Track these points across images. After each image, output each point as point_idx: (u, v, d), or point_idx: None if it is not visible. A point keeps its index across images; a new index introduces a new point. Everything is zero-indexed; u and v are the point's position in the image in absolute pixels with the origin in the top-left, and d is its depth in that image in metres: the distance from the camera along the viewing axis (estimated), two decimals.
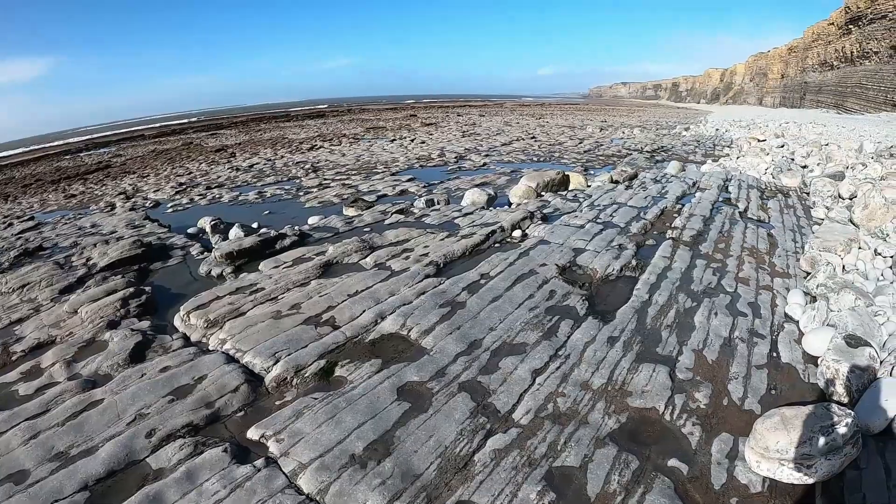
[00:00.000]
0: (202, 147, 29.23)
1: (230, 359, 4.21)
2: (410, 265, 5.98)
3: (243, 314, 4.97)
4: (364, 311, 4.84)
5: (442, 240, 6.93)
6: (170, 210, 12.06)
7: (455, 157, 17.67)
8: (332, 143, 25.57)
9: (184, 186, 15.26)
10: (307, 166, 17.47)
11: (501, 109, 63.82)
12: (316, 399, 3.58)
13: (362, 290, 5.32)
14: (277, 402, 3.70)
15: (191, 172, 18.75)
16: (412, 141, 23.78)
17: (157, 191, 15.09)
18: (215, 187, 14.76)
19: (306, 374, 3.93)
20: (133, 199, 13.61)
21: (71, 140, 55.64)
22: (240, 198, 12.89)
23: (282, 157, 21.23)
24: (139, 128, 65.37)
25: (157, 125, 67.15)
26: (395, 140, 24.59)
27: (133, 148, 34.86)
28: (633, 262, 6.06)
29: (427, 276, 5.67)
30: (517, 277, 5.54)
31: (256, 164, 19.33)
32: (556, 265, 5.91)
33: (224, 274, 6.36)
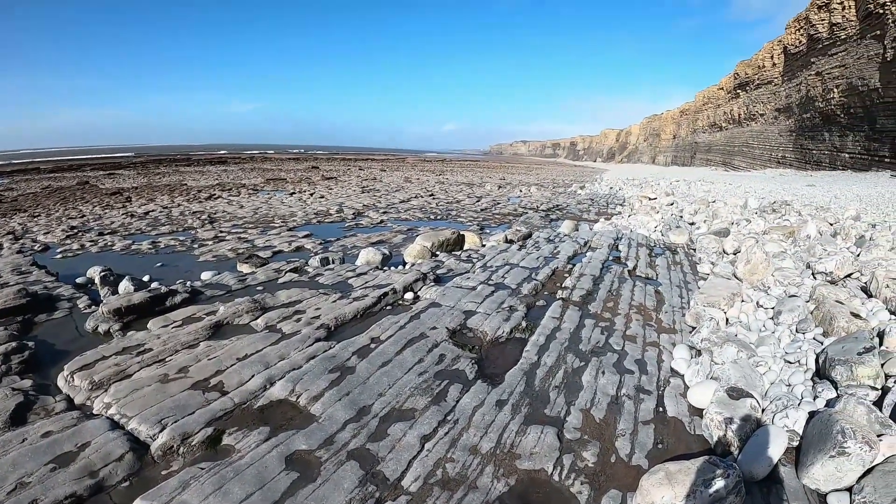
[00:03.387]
0: (98, 188, 29.22)
1: (115, 425, 4.15)
2: (301, 328, 6.08)
3: (129, 376, 4.90)
4: (253, 376, 4.88)
5: (334, 302, 7.07)
6: (59, 255, 11.99)
7: (353, 214, 18.07)
8: (230, 193, 25.71)
9: (75, 231, 15.19)
10: (204, 217, 17.68)
11: (403, 164, 65.78)
12: (203, 469, 3.57)
13: (252, 354, 5.36)
14: (164, 472, 3.66)
15: (84, 215, 18.67)
16: (311, 195, 24.15)
17: (48, 233, 14.91)
18: (108, 233, 14.83)
19: (193, 443, 3.92)
20: (21, 241, 13.47)
21: None
22: (132, 247, 12.88)
23: (179, 205, 21.40)
24: (37, 160, 67.15)
25: (56, 158, 69.38)
26: (294, 193, 25.01)
27: (27, 182, 34.32)
28: (523, 324, 6.45)
29: (318, 340, 5.79)
30: (407, 341, 5.76)
31: (152, 211, 19.49)
32: (447, 328, 6.19)
33: (111, 331, 6.25)
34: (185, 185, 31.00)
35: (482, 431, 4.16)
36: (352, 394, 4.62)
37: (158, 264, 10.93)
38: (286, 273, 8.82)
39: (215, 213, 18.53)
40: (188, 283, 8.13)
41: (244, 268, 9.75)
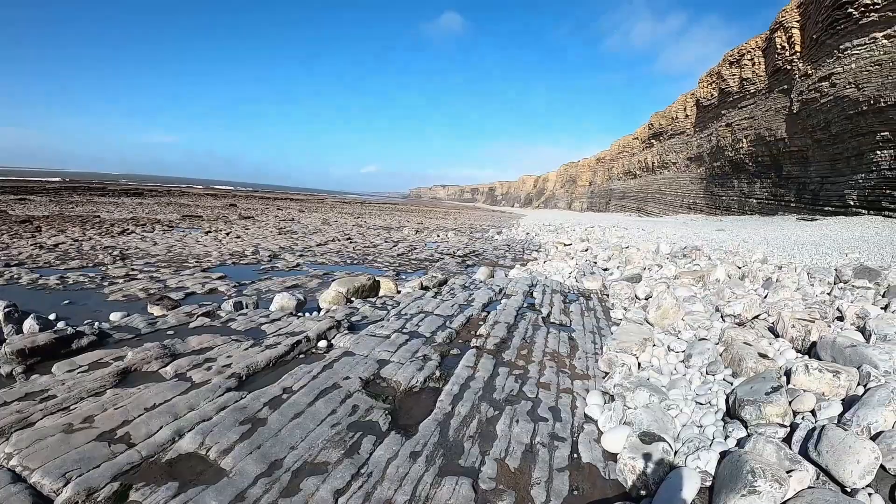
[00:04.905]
0: (7, 215, 27.53)
1: (17, 477, 3.91)
2: (212, 377, 5.90)
3: (32, 425, 4.60)
4: (162, 428, 4.70)
5: (246, 349, 6.91)
6: None
7: (269, 256, 17.79)
8: (145, 228, 24.90)
9: None
10: (115, 253, 16.99)
11: (322, 206, 65.46)
12: None
13: (160, 404, 5.15)
14: None
15: None
16: (227, 234, 23.63)
17: None
18: (15, 265, 14.06)
19: (99, 499, 3.74)
20: None
21: None
22: (40, 281, 12.20)
23: (90, 238, 20.56)
24: None
25: None
26: (210, 232, 24.37)
27: None
28: (437, 373, 6.50)
29: (229, 390, 5.63)
30: (320, 391, 5.70)
31: (63, 243, 18.60)
32: (360, 378, 6.17)
33: (14, 374, 5.85)
34: (99, 217, 29.99)
35: (396, 484, 4.16)
36: (263, 447, 4.53)
37: (66, 301, 10.50)
38: (198, 317, 8.59)
39: (128, 250, 17.98)
40: (96, 323, 7.85)
41: (155, 310, 9.45)
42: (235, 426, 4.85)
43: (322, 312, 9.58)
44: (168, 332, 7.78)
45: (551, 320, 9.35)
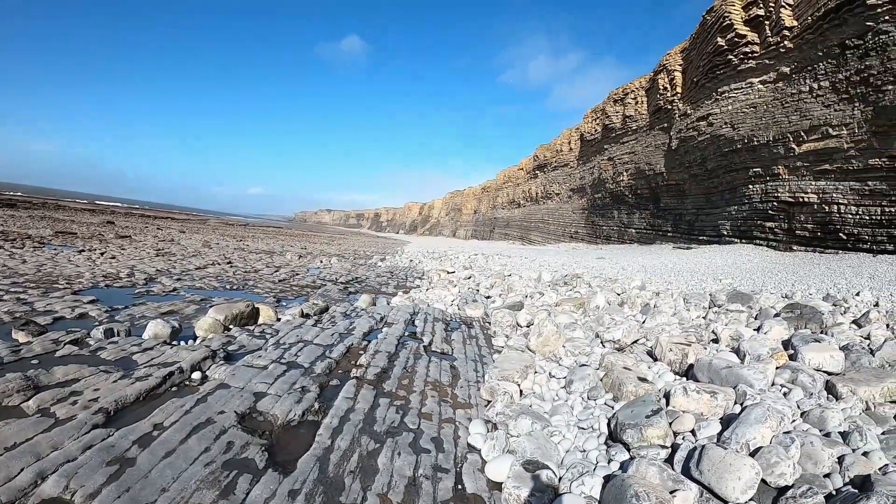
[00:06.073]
0: None
1: None
2: (78, 412, 5.44)
3: None
4: (23, 470, 4.27)
5: (115, 381, 6.44)
6: None
7: (145, 279, 16.73)
8: (14, 244, 22.64)
9: None
10: None
11: (205, 227, 62.99)
12: None
13: (22, 443, 4.68)
14: None
15: None
16: (102, 254, 22.10)
17: None
18: None
19: None
20: None
21: None
22: None
23: None
24: None
25: None
26: (83, 251, 22.66)
27: None
28: (316, 406, 6.33)
29: (95, 427, 5.20)
30: (193, 427, 5.39)
31: None
32: (236, 412, 5.90)
33: None
34: None
35: None
36: (132, 489, 4.23)
37: None
38: (65, 345, 7.97)
39: None
40: None
41: (20, 336, 8.63)
42: (103, 467, 4.52)
43: (198, 341, 9.15)
44: (32, 362, 7.17)
45: (433, 349, 9.37)
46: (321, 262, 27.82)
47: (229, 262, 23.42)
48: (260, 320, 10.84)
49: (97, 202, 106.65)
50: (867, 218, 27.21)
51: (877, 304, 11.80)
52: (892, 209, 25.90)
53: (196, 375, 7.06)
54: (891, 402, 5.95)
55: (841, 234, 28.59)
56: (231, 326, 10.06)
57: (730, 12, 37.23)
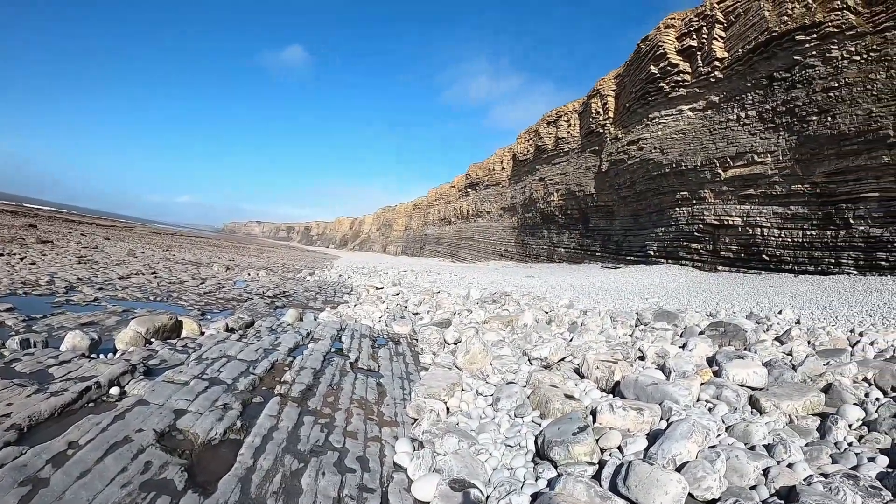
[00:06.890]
0: None
1: None
2: None
3: None
4: None
5: (29, 396, 6.09)
6: None
7: (66, 287, 15.97)
8: None
9: None
10: None
11: (130, 234, 60.86)
12: None
13: None
14: None
15: None
16: (22, 259, 20.98)
17: None
18: None
19: None
20: None
21: None
22: None
23: None
24: None
25: None
26: (1, 255, 21.48)
27: None
28: (238, 424, 6.16)
29: (7, 444, 4.90)
30: (110, 446, 5.15)
31: None
32: (154, 430, 5.68)
33: None
34: None
35: None
36: None
37: None
38: None
39: None
40: None
41: None
42: (14, 487, 4.28)
43: (118, 354, 8.80)
44: None
45: (359, 366, 9.26)
46: (249, 274, 27.33)
47: (154, 273, 22.76)
48: (183, 334, 10.53)
49: (24, 204, 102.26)
50: (789, 240, 28.63)
51: (798, 322, 12.35)
52: (813, 232, 27.34)
53: (114, 391, 6.78)
54: (813, 414, 6.25)
55: (764, 256, 29.96)
56: (153, 340, 9.74)
57: (664, 42, 38.62)
